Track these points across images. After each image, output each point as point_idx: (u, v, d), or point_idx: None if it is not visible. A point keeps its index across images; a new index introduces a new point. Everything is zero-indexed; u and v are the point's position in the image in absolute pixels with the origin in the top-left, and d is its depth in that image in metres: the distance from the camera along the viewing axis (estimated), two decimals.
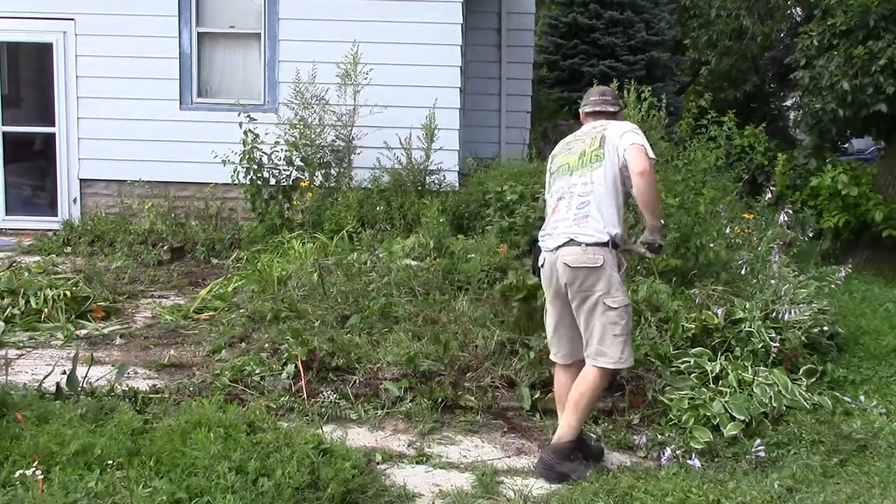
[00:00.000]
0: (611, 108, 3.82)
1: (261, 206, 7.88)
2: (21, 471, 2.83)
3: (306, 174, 7.95)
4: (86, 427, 3.30)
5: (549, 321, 3.76)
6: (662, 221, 3.84)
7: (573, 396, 3.56)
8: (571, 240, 3.53)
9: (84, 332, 5.35)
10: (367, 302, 5.27)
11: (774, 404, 4.10)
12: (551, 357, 3.81)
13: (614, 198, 3.57)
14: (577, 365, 3.68)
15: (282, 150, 7.94)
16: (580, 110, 3.94)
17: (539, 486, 3.45)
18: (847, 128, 8.30)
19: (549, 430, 3.98)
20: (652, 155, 3.52)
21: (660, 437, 3.94)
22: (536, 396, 4.22)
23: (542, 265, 3.67)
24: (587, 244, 3.49)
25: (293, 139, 7.97)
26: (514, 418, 4.16)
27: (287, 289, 5.63)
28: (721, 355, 4.49)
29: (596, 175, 3.58)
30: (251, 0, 8.78)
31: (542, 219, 6.74)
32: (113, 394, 4.05)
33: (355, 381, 4.32)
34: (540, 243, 3.71)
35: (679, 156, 7.26)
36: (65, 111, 8.77)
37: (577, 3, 12.85)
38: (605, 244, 3.50)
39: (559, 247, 3.56)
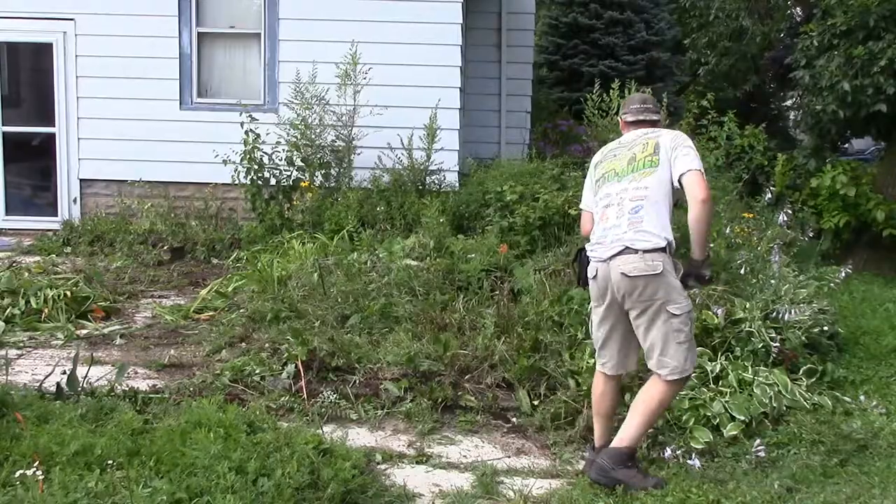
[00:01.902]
0: (654, 117, 3.71)
1: (261, 206, 7.88)
2: (21, 471, 2.84)
3: (306, 174, 7.95)
4: (86, 427, 3.30)
5: (600, 331, 3.59)
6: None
7: (638, 403, 3.43)
8: (627, 247, 3.36)
9: (84, 332, 5.35)
10: (367, 302, 5.27)
11: (774, 404, 4.10)
12: (598, 367, 3.67)
13: (667, 206, 3.43)
14: (620, 376, 3.64)
15: (282, 150, 7.94)
16: (620, 118, 3.82)
17: (539, 486, 3.45)
18: (847, 128, 8.30)
19: (550, 431, 3.98)
20: (699, 165, 3.42)
21: (660, 437, 3.94)
22: (537, 403, 4.22)
23: (595, 276, 3.49)
24: (644, 251, 3.33)
25: (294, 139, 7.97)
26: (513, 418, 4.16)
27: (287, 289, 5.62)
28: (721, 355, 4.49)
29: (650, 181, 3.44)
30: (251, 0, 8.78)
31: (542, 218, 6.84)
32: (113, 394, 4.05)
33: (355, 381, 4.32)
34: (589, 253, 3.53)
35: None
36: (65, 111, 8.77)
37: (577, 3, 12.85)
38: (662, 249, 3.34)
39: (613, 256, 3.39)
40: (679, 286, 3.38)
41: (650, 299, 3.33)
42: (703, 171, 3.41)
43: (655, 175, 3.44)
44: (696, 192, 3.34)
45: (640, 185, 3.46)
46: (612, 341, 3.56)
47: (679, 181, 3.39)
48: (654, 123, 3.70)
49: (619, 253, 3.37)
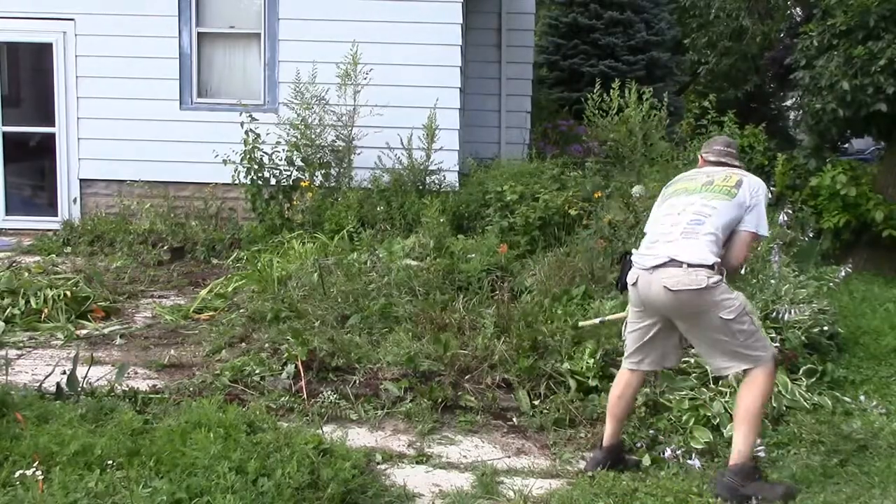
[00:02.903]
0: (734, 163, 3.63)
1: (261, 206, 7.89)
2: (21, 471, 2.84)
3: (306, 174, 7.96)
4: (86, 427, 3.30)
5: (637, 334, 3.51)
6: None
7: (739, 411, 3.31)
8: (672, 259, 3.26)
9: (84, 332, 5.35)
10: (367, 302, 5.27)
11: (774, 404, 4.10)
12: (628, 366, 3.57)
13: (724, 234, 3.35)
14: (644, 378, 3.62)
15: (282, 150, 7.94)
16: (701, 154, 3.76)
17: (539, 486, 3.45)
18: (847, 128, 8.30)
19: (550, 432, 3.98)
20: (765, 233, 3.42)
21: (660, 437, 3.94)
22: (537, 403, 4.22)
23: (635, 283, 3.40)
24: (689, 264, 3.22)
25: (294, 139, 7.98)
26: (513, 418, 4.15)
27: (287, 289, 5.63)
28: None
29: (720, 204, 3.36)
30: (251, 0, 8.78)
31: (542, 218, 6.84)
32: (113, 394, 4.05)
33: (355, 381, 4.32)
34: (634, 258, 3.46)
35: (679, 156, 7.26)
36: (65, 111, 8.77)
37: (577, 3, 12.86)
38: (709, 266, 3.22)
39: (656, 267, 3.30)
40: (725, 290, 3.26)
41: (697, 310, 3.25)
42: (760, 233, 3.40)
43: (728, 204, 3.36)
44: (736, 253, 3.37)
45: (708, 204, 3.38)
46: (651, 343, 3.48)
47: (738, 230, 3.36)
48: (733, 167, 3.62)
49: (663, 265, 3.28)
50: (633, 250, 3.52)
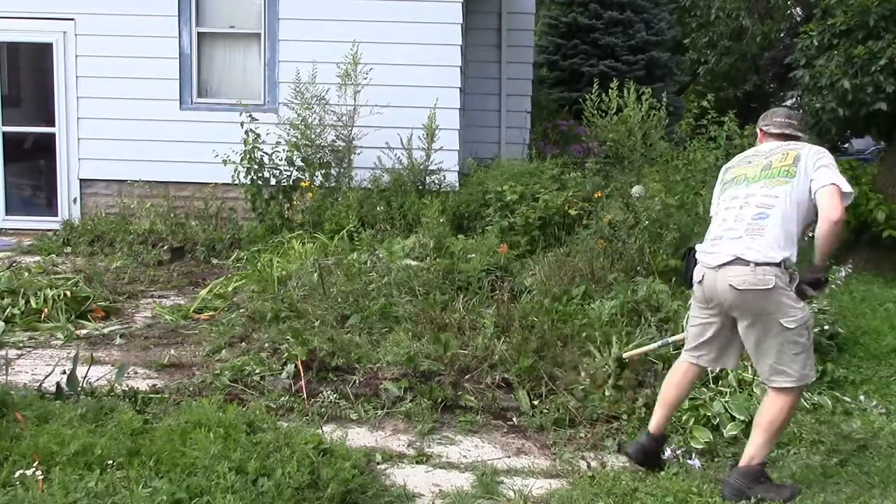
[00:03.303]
0: (798, 133, 3.54)
1: (261, 206, 7.89)
2: (21, 471, 2.84)
3: (306, 174, 7.96)
4: (86, 427, 3.30)
5: (699, 327, 3.45)
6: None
7: (761, 419, 3.28)
8: (738, 258, 3.19)
9: (84, 332, 5.35)
10: (367, 302, 5.27)
11: None
12: (689, 358, 3.51)
13: (795, 222, 3.24)
14: (704, 371, 3.58)
15: (283, 150, 7.94)
16: (760, 128, 3.64)
17: (539, 486, 3.45)
18: (847, 127, 8.29)
19: (550, 432, 3.98)
20: (848, 189, 3.21)
21: None
22: (537, 403, 4.22)
23: (701, 281, 3.34)
24: (756, 263, 3.15)
25: (294, 139, 7.98)
26: (513, 418, 4.15)
27: (287, 289, 5.63)
28: None
29: (782, 190, 3.27)
30: (251, 0, 8.78)
31: (542, 218, 6.84)
32: (113, 394, 4.05)
33: (355, 381, 4.32)
34: (699, 256, 3.38)
35: (679, 156, 7.26)
36: (65, 111, 8.77)
37: (577, 3, 12.87)
38: (776, 264, 3.15)
39: (722, 265, 3.23)
40: (793, 298, 3.19)
41: (761, 312, 3.18)
42: (841, 185, 3.21)
43: (788, 186, 3.27)
44: (829, 209, 3.16)
45: (770, 193, 3.29)
46: (715, 340, 3.44)
47: (815, 194, 3.23)
48: (796, 140, 3.53)
49: (729, 263, 3.21)
50: (698, 246, 3.46)
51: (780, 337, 3.18)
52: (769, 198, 3.28)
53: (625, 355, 4.23)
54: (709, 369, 3.70)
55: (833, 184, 3.22)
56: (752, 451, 3.27)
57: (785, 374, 3.21)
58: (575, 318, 4.92)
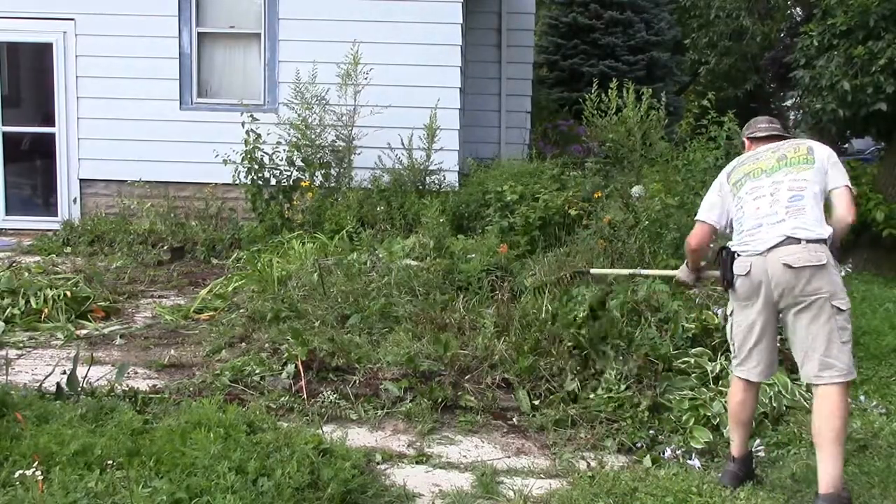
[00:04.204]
0: (785, 133, 3.57)
1: (261, 206, 7.89)
2: (21, 471, 2.84)
3: (307, 174, 7.96)
4: (86, 427, 3.30)
5: (751, 334, 3.30)
6: None
7: (831, 434, 3.04)
8: (788, 237, 3.13)
9: (84, 332, 5.35)
10: (367, 302, 5.27)
11: (774, 404, 4.10)
12: (742, 374, 3.36)
13: (822, 205, 3.24)
14: (760, 383, 3.44)
15: (283, 150, 7.95)
16: (746, 136, 3.65)
17: (539, 486, 3.45)
18: (847, 127, 8.30)
19: (550, 432, 3.98)
20: (854, 191, 3.29)
21: (660, 437, 3.93)
22: (537, 403, 4.22)
23: (748, 273, 3.21)
24: (808, 240, 3.11)
25: (294, 139, 7.98)
26: (513, 418, 4.16)
27: (287, 289, 5.63)
28: (721, 355, 4.48)
29: (807, 175, 3.26)
30: (251, 0, 8.78)
31: (542, 218, 6.84)
32: (113, 394, 4.05)
33: (355, 381, 4.32)
34: (738, 248, 3.29)
35: (679, 156, 7.26)
36: (65, 111, 8.78)
37: (577, 3, 12.87)
38: (824, 241, 3.13)
39: (773, 247, 3.15)
40: (842, 281, 3.15)
41: (814, 293, 3.09)
42: (853, 191, 3.29)
43: (812, 171, 3.27)
44: (846, 212, 3.23)
45: (798, 177, 3.27)
46: (763, 344, 3.30)
47: (829, 192, 3.26)
48: (786, 139, 3.54)
49: (780, 244, 3.14)
50: (729, 244, 3.36)
51: (830, 322, 3.09)
52: (799, 181, 3.26)
53: (592, 271, 4.14)
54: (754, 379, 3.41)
55: (846, 186, 3.27)
56: (833, 470, 3.03)
57: (835, 368, 3.09)
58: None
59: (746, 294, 3.27)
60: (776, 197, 3.26)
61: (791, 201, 3.22)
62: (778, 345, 3.45)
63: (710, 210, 3.50)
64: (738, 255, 3.28)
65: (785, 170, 3.32)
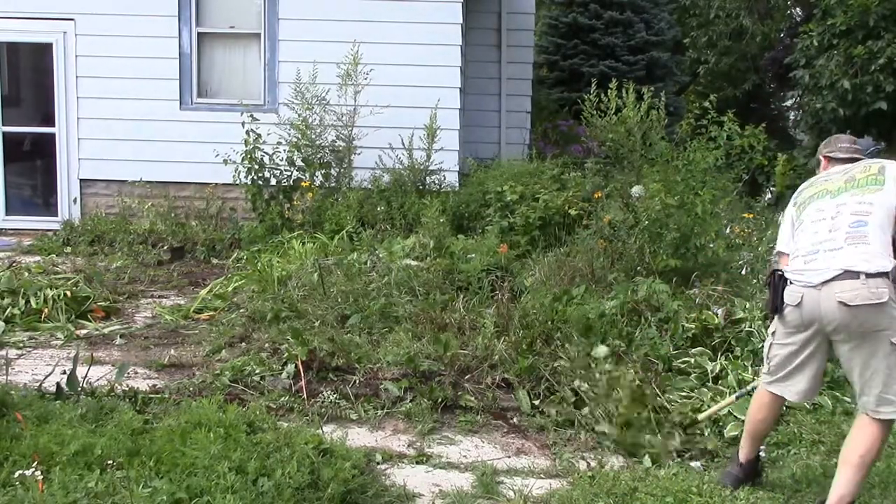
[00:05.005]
0: (863, 157, 3.37)
1: (261, 206, 7.90)
2: (21, 471, 2.83)
3: (307, 174, 7.96)
4: (86, 427, 3.30)
5: (796, 357, 3.14)
6: None
7: (852, 456, 3.02)
8: (846, 271, 2.92)
9: (84, 332, 5.35)
10: (367, 302, 5.28)
11: None
12: (777, 390, 3.23)
13: (891, 229, 3.01)
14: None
15: (283, 150, 7.95)
16: (825, 154, 3.47)
17: (539, 486, 3.45)
18: (847, 127, 8.31)
19: (550, 432, 3.97)
20: None
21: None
22: (537, 402, 4.21)
23: (798, 303, 3.03)
24: (868, 274, 2.89)
25: (294, 139, 7.98)
26: (513, 418, 4.16)
27: (287, 289, 5.63)
28: (721, 355, 4.49)
29: (874, 197, 3.04)
30: (251, 0, 8.78)
31: (542, 218, 6.84)
32: (113, 394, 4.05)
33: (355, 381, 4.32)
34: (792, 276, 3.09)
35: (679, 156, 7.25)
36: (65, 111, 8.77)
37: (577, 3, 12.86)
38: (886, 275, 2.90)
39: (828, 281, 2.94)
40: None
41: (872, 330, 2.92)
42: None
43: (881, 194, 3.05)
44: None
45: (863, 200, 3.06)
46: (807, 370, 3.15)
47: None
48: (864, 159, 3.37)
49: (836, 277, 2.93)
50: (783, 268, 3.18)
51: (889, 358, 2.94)
52: (864, 205, 3.05)
53: (700, 417, 3.93)
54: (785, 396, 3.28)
55: None
56: (843, 489, 3.01)
57: (893, 404, 2.96)
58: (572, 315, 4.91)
59: (795, 323, 3.11)
60: (837, 221, 3.06)
61: (853, 227, 3.01)
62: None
63: (782, 238, 3.37)
64: (791, 284, 3.09)
65: (852, 191, 3.12)
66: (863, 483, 3.08)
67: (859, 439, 3.04)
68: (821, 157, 3.52)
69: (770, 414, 3.31)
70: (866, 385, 3.00)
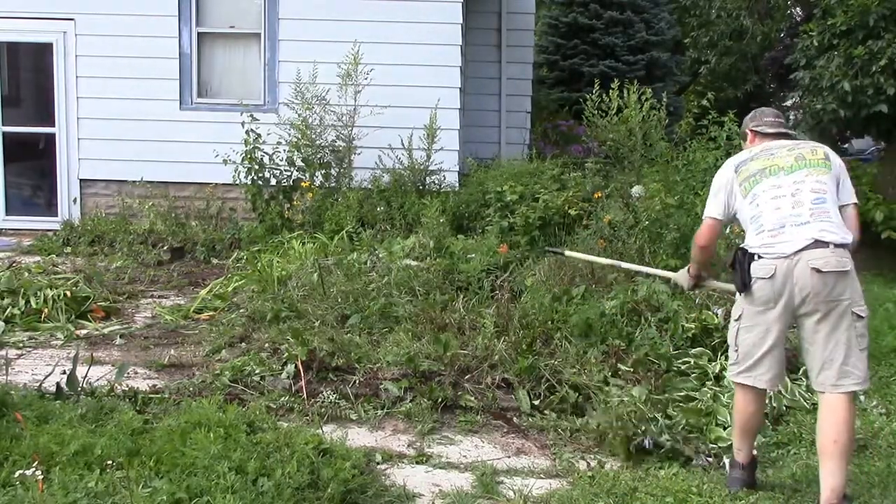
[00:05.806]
0: (791, 132, 3.48)
1: (261, 206, 7.90)
2: (21, 471, 2.83)
3: (307, 174, 7.97)
4: (86, 427, 3.30)
5: (765, 341, 3.16)
6: None
7: (829, 447, 3.01)
8: (817, 241, 3.05)
9: (84, 332, 5.35)
10: (367, 302, 5.28)
11: (774, 404, 4.10)
12: (748, 381, 3.22)
13: (838, 211, 3.19)
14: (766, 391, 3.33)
15: (283, 150, 7.95)
16: (751, 128, 3.51)
17: (539, 486, 3.45)
18: (847, 128, 8.31)
19: (550, 432, 3.97)
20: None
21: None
22: (537, 403, 4.21)
23: (771, 276, 3.08)
24: (835, 244, 3.05)
25: (294, 139, 7.98)
26: (513, 418, 4.16)
27: (287, 289, 5.63)
28: (721, 355, 4.49)
29: (827, 178, 3.20)
30: (251, 0, 8.78)
31: (542, 218, 6.83)
32: (113, 394, 4.05)
33: (355, 381, 4.32)
34: (760, 250, 3.14)
35: (679, 156, 7.25)
36: (65, 111, 8.78)
37: (577, 3, 12.87)
38: (848, 246, 3.09)
39: (801, 250, 3.05)
40: (860, 288, 3.11)
41: (837, 299, 3.03)
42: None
43: (829, 176, 3.21)
44: (857, 229, 3.23)
45: (818, 179, 3.19)
46: (776, 350, 3.18)
47: (844, 205, 3.23)
48: (792, 138, 3.45)
49: (808, 247, 3.04)
50: (746, 245, 3.21)
51: (851, 330, 3.04)
52: (820, 184, 3.18)
53: (567, 253, 4.00)
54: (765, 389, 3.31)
55: (856, 203, 3.28)
56: (831, 480, 2.99)
57: (853, 376, 3.04)
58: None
59: (765, 298, 3.13)
60: (798, 198, 3.16)
61: (815, 203, 3.13)
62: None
63: (717, 206, 3.37)
64: (760, 258, 3.14)
65: (806, 170, 3.22)
66: (847, 466, 3.07)
67: (828, 424, 3.06)
68: (747, 131, 3.56)
69: (757, 407, 3.30)
70: (828, 359, 3.06)
